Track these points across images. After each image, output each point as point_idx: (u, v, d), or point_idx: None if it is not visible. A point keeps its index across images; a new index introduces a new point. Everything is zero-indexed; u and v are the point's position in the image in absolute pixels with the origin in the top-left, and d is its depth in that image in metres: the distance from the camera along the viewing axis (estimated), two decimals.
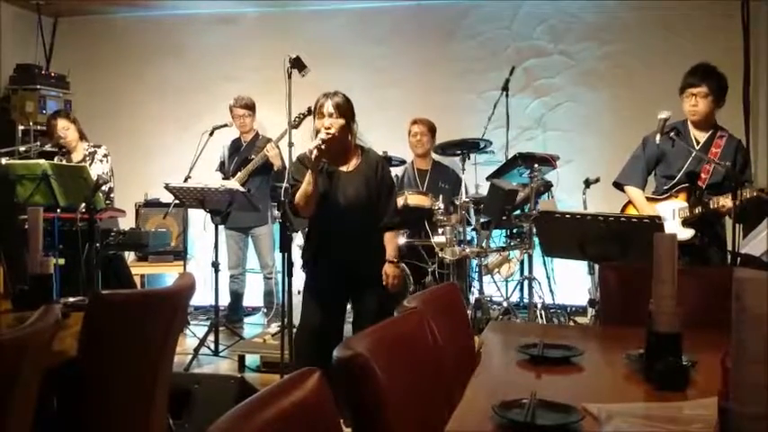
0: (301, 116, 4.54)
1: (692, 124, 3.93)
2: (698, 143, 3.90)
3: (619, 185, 4.12)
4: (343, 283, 3.55)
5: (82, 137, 5.33)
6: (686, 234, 3.77)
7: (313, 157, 3.30)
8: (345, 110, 3.42)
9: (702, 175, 3.88)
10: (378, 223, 3.57)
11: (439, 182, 5.49)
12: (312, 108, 3.52)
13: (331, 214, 3.49)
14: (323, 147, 3.30)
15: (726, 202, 3.65)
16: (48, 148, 5.34)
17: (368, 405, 1.45)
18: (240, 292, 6.06)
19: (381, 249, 3.59)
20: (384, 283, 3.57)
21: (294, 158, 3.58)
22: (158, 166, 6.51)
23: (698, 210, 3.78)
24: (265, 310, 6.05)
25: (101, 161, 5.20)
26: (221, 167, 5.84)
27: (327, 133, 3.34)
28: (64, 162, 5.17)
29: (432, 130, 5.60)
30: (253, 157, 5.59)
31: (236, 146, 5.87)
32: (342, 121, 3.40)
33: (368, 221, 3.53)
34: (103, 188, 5.03)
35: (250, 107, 5.80)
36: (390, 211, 3.61)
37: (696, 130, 3.93)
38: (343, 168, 3.54)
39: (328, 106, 3.39)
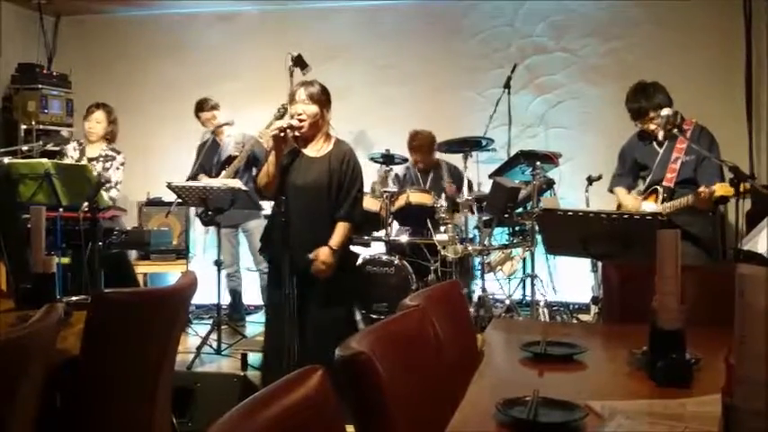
0: (283, 108, 4.57)
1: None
2: (661, 146, 3.98)
3: (611, 191, 4.34)
4: (295, 268, 3.41)
5: (109, 139, 5.31)
6: None
7: (272, 133, 3.37)
8: (319, 98, 3.48)
9: (669, 175, 3.90)
10: (334, 214, 3.51)
11: (440, 181, 5.48)
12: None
13: (289, 195, 3.44)
14: (288, 130, 3.37)
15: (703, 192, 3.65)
16: (50, 147, 5.34)
17: (370, 403, 1.45)
18: (238, 289, 6.02)
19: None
20: (312, 266, 3.42)
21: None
22: (160, 164, 6.51)
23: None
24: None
25: (117, 169, 5.19)
26: (201, 169, 5.72)
27: (299, 119, 3.42)
28: (77, 153, 5.21)
29: (431, 145, 5.56)
30: (236, 154, 5.49)
31: (213, 147, 5.75)
32: (314, 108, 3.46)
33: (324, 209, 3.48)
34: (113, 195, 5.04)
35: (215, 107, 5.73)
36: (350, 203, 3.51)
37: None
38: (311, 153, 3.54)
39: (301, 93, 3.46)
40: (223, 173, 5.46)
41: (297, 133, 3.45)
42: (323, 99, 3.50)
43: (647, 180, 4.05)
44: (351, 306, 3.77)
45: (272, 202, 3.70)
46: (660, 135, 3.83)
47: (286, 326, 3.38)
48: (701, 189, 3.62)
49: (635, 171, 4.20)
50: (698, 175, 3.83)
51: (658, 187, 3.93)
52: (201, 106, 5.74)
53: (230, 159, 5.52)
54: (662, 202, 3.87)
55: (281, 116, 4.61)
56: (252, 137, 5.38)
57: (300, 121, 3.43)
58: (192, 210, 5.68)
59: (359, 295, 4.87)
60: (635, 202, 4.06)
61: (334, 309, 3.52)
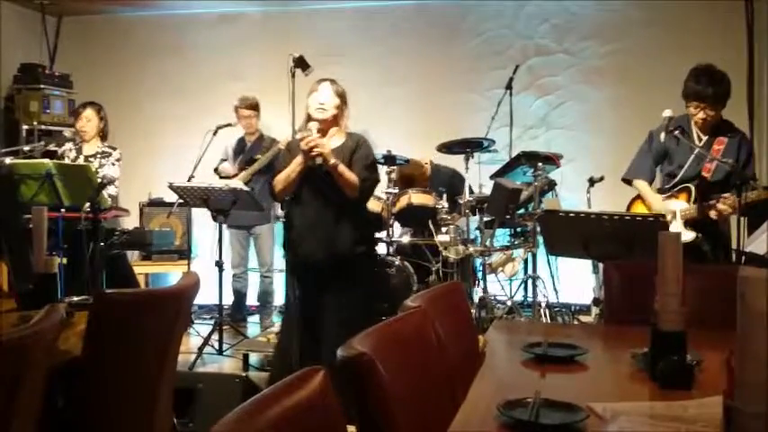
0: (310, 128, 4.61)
1: (695, 125, 3.90)
2: (700, 140, 3.87)
3: (627, 181, 4.10)
4: (316, 266, 3.52)
5: (103, 136, 5.35)
6: (688, 236, 3.70)
7: (310, 144, 3.38)
8: (342, 93, 3.62)
9: (703, 174, 3.85)
10: (353, 210, 3.57)
11: (438, 185, 5.47)
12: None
13: (307, 193, 3.51)
14: (318, 136, 3.43)
15: (723, 207, 3.64)
16: (52, 147, 5.35)
17: (372, 404, 1.45)
18: (243, 291, 6.03)
19: (353, 234, 3.58)
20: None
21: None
22: (162, 165, 6.52)
23: (698, 211, 3.77)
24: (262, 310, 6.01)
25: (113, 164, 5.21)
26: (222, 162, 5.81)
27: (322, 108, 3.51)
28: (74, 153, 5.24)
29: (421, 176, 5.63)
30: (258, 156, 5.55)
31: (240, 146, 5.85)
32: (337, 101, 3.58)
33: (343, 201, 3.52)
34: (111, 192, 5.06)
35: (255, 107, 5.77)
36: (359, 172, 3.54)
37: (699, 130, 3.90)
38: None
39: (327, 86, 3.58)
40: (242, 173, 5.50)
41: (315, 131, 3.48)
42: (344, 96, 3.65)
43: (679, 175, 3.89)
44: (369, 305, 3.80)
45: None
46: (662, 136, 3.82)
47: (302, 325, 3.49)
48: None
49: (657, 161, 4.01)
50: (730, 183, 3.78)
51: (691, 186, 3.84)
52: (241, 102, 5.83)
53: (252, 161, 5.56)
54: (694, 202, 3.80)
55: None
56: (277, 143, 5.41)
57: (323, 110, 3.52)
58: (195, 210, 5.69)
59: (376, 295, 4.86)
60: (660, 203, 3.90)
61: (352, 306, 3.53)
